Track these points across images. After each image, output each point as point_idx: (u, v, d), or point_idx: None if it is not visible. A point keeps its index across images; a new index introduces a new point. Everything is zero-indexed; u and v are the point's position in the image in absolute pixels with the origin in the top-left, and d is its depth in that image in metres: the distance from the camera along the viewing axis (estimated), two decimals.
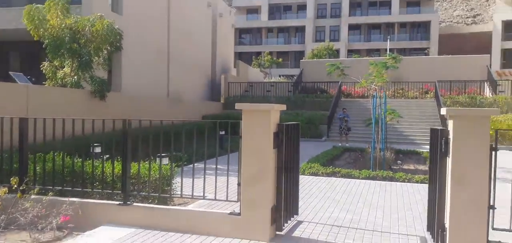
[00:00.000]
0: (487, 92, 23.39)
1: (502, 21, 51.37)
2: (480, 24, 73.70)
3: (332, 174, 9.82)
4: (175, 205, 6.28)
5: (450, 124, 4.31)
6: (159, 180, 5.76)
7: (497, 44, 50.38)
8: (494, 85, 22.96)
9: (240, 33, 64.17)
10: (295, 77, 29.90)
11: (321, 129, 20.32)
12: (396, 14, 56.67)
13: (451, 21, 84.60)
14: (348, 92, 25.34)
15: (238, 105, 4.91)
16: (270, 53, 53.44)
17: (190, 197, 5.39)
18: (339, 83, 23.46)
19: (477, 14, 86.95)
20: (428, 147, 16.73)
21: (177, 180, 6.03)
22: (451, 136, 4.25)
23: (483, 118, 4.14)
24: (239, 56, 60.76)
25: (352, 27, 58.56)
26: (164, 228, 5.19)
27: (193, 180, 5.26)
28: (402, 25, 56.98)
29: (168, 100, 19.26)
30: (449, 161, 4.29)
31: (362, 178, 9.51)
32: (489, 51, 46.82)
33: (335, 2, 60.12)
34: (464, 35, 58.61)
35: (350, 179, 9.44)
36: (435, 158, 4.71)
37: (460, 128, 4.17)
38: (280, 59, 48.85)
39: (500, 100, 19.91)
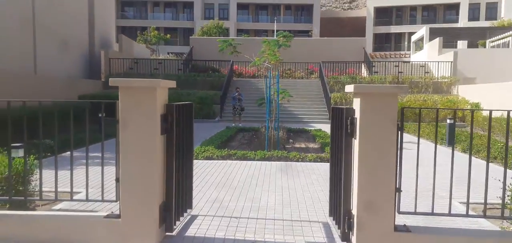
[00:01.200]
0: (364, 72, 25.40)
1: (374, 7, 56.91)
2: (355, 9, 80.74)
3: (228, 157, 9.27)
4: (37, 209, 4.99)
5: (357, 102, 3.96)
6: (9, 177, 4.42)
7: (370, 29, 55.76)
8: (369, 66, 25.01)
9: (123, 5, 59.63)
10: (185, 55, 28.64)
11: (214, 109, 19.72)
12: None
13: (331, 5, 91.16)
14: (239, 72, 25.15)
15: (112, 81, 3.86)
16: (157, 28, 50.71)
17: (53, 199, 4.22)
18: (231, 62, 23.08)
19: (353, 0, 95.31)
20: (316, 125, 17.62)
21: (37, 177, 4.75)
22: (357, 115, 3.91)
23: (391, 96, 3.87)
24: (122, 30, 56.36)
25: (241, 6, 58.84)
26: (22, 239, 3.97)
27: (56, 176, 4.11)
28: (287, 7, 59.19)
29: (36, 78, 16.53)
30: (355, 142, 3.96)
31: (258, 159, 9.15)
32: (363, 35, 51.56)
33: None
34: (342, 19, 63.48)
35: (246, 161, 8.99)
36: (339, 139, 4.37)
37: (367, 107, 3.84)
38: (168, 36, 46.62)
39: (376, 79, 21.71)
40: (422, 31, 31.08)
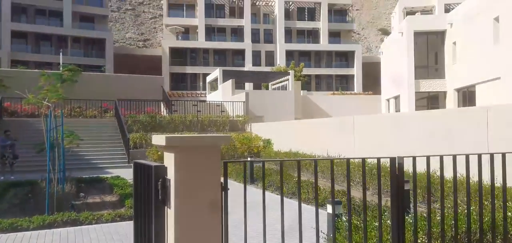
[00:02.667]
0: (164, 111, 24.75)
1: (169, 47, 58.01)
2: (150, 48, 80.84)
3: None
4: None
5: (170, 158, 2.97)
6: None
7: (166, 68, 56.28)
8: (169, 104, 24.54)
9: None
10: None
11: None
12: (69, 28, 53.32)
13: (124, 42, 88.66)
14: (13, 110, 20.64)
15: None
16: None
17: None
18: (0, 98, 18.69)
19: (147, 39, 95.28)
20: (113, 170, 15.58)
21: None
22: (171, 176, 2.92)
23: (214, 149, 3.04)
24: None
25: (17, 35, 50.41)
26: None
27: None
28: (76, 40, 54.17)
29: None
30: (169, 212, 2.95)
31: (35, 228, 6.96)
32: (160, 73, 51.45)
33: None
34: (137, 56, 62.29)
35: (16, 234, 6.68)
36: (146, 207, 3.25)
37: (184, 164, 2.90)
38: None
39: (176, 119, 21.28)
40: (216, 72, 32.94)
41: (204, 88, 57.71)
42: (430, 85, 24.52)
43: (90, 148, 17.60)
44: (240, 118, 23.03)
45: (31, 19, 52.47)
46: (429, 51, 25.47)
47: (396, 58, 26.78)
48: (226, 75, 32.15)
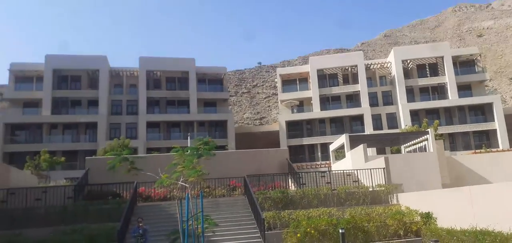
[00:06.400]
0: (291, 185, 22.85)
1: (286, 121, 57.98)
2: (265, 124, 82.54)
3: None
4: None
5: None
6: None
7: (284, 141, 55.89)
8: (296, 177, 22.60)
9: (13, 129, 52.45)
10: (78, 180, 23.54)
11: None
12: (195, 113, 57.21)
13: (242, 122, 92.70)
14: (147, 195, 20.81)
15: None
16: (53, 152, 44.20)
17: None
18: (135, 183, 18.88)
19: (263, 117, 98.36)
20: None
21: None
22: None
23: None
24: (11, 157, 48.86)
25: (151, 125, 55.65)
26: None
27: None
28: (201, 123, 57.54)
29: None
30: None
31: None
32: (278, 147, 50.80)
33: (131, 99, 56.82)
34: (255, 133, 63.48)
35: None
36: None
37: None
38: (63, 159, 40.49)
39: (309, 193, 19.01)
40: (341, 139, 30.44)
41: (324, 158, 55.21)
42: None
43: (224, 232, 16.10)
44: (382, 189, 19.76)
45: (163, 110, 57.70)
46: None
47: None
48: (352, 141, 29.40)
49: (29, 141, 51.54)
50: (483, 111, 57.70)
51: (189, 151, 9.66)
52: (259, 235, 15.72)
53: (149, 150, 50.34)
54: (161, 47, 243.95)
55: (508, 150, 43.06)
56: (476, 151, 47.81)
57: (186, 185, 8.26)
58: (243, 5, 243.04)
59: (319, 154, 57.25)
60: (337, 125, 59.80)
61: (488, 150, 46.65)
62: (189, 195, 8.07)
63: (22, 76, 54.85)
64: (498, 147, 52.03)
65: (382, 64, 63.17)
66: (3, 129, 50.38)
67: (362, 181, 21.83)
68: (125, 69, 58.54)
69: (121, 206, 17.12)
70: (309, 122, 60.02)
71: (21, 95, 54.16)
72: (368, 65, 62.72)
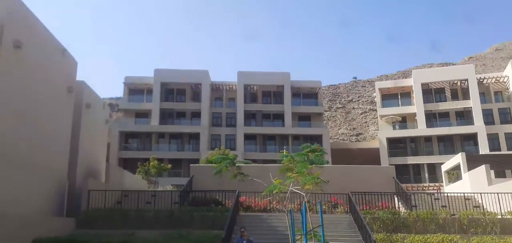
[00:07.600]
0: (399, 206, 20.90)
1: (387, 138, 54.45)
2: (362, 141, 78.99)
3: None
4: None
5: None
6: None
7: (385, 159, 52.20)
8: (405, 198, 20.62)
9: (127, 137, 57.70)
10: (183, 186, 24.53)
11: None
12: (289, 127, 57.20)
13: (337, 138, 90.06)
14: (247, 205, 20.73)
15: None
16: (161, 160, 47.47)
17: None
18: (237, 192, 18.88)
19: (359, 133, 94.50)
20: None
21: None
22: None
23: None
24: (125, 162, 53.58)
25: (248, 137, 56.94)
26: None
27: None
28: (295, 137, 57.10)
29: None
30: None
31: None
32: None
33: (230, 112, 58.99)
34: (352, 150, 60.87)
35: None
36: None
37: None
38: (169, 166, 43.11)
39: (424, 216, 17.03)
40: (456, 159, 27.29)
41: (431, 180, 50.56)
42: None
43: None
44: None
45: (259, 123, 58.73)
46: None
47: None
48: (469, 162, 26.14)
49: (140, 149, 56.19)
50: None
51: (297, 157, 9.01)
52: None
53: (246, 161, 51.24)
54: (259, 62, 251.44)
55: None
56: None
57: (302, 193, 7.63)
58: (338, 23, 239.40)
59: (426, 174, 52.61)
60: (446, 144, 54.52)
61: None
62: (306, 205, 7.41)
63: (134, 89, 60.30)
64: None
65: (498, 79, 56.28)
66: (119, 137, 55.66)
67: (485, 207, 19.06)
68: (224, 83, 61.06)
69: (224, 214, 17.17)
70: (413, 139, 55.69)
71: (134, 107, 59.48)
72: (481, 80, 56.34)
